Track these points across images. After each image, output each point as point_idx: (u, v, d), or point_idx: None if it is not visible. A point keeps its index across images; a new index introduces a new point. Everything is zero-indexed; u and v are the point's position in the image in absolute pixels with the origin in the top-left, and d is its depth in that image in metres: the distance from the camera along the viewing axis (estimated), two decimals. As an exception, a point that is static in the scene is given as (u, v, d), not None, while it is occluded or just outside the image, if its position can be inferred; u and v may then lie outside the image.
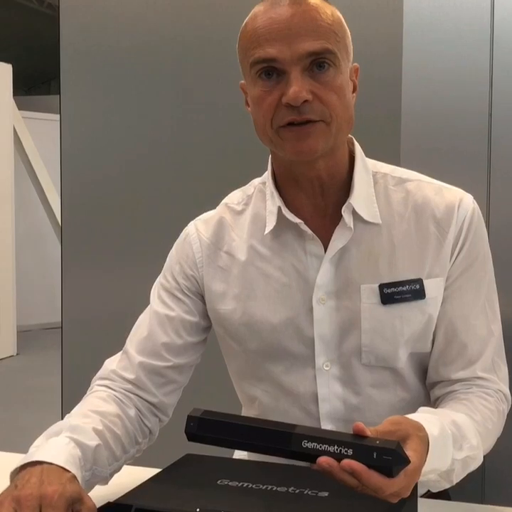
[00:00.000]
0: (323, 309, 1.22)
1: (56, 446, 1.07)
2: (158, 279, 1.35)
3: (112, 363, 1.29)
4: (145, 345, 1.28)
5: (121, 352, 1.31)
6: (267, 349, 1.25)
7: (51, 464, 1.02)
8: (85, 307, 2.44)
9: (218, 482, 1.07)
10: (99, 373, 1.29)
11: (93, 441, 1.11)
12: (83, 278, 2.44)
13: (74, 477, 1.02)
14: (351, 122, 1.20)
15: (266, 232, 1.25)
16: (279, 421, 1.01)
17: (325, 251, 1.22)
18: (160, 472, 1.15)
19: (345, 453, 0.91)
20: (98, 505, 1.00)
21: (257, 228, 1.27)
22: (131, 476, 1.16)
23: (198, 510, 0.95)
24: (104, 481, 1.15)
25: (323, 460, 0.90)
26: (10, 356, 6.39)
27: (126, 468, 1.22)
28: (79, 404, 1.23)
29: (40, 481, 0.98)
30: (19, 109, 6.83)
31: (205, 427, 0.99)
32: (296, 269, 1.24)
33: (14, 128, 6.55)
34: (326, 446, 0.92)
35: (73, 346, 2.44)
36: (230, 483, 1.06)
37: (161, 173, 2.33)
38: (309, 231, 1.22)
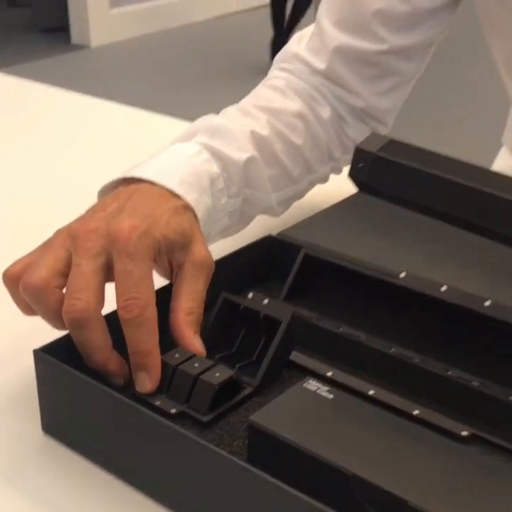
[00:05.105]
0: None
1: (175, 158, 0.64)
2: None
3: (297, 42, 0.81)
4: (348, 14, 0.78)
5: (313, 23, 0.82)
6: None
7: (154, 183, 0.60)
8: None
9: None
10: (279, 56, 0.83)
11: (244, 152, 0.69)
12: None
13: (185, 208, 0.60)
14: None
15: None
16: None
17: None
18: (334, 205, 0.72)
19: None
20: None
21: None
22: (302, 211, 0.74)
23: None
24: (270, 211, 0.75)
25: None
26: None
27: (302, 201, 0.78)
28: (242, 100, 0.78)
29: (122, 209, 0.57)
30: None
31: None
32: None
33: None
34: None
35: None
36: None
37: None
38: None
